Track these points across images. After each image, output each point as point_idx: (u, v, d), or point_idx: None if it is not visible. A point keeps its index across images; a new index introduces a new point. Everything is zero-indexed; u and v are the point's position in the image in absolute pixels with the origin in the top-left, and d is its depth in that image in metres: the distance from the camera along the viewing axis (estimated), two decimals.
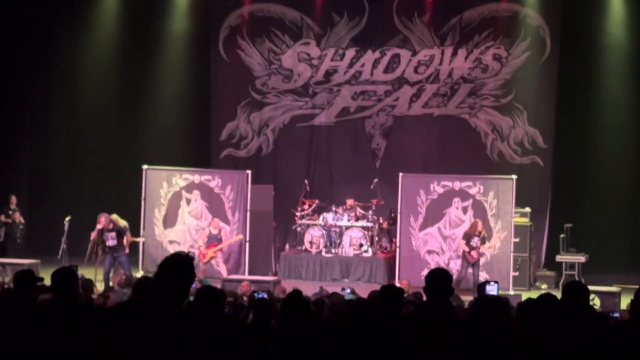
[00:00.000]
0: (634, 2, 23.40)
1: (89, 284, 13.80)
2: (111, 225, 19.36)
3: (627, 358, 6.51)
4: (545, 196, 23.82)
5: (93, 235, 19.57)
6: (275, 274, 21.87)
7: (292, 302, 6.73)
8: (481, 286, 7.95)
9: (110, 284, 17.72)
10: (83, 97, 25.18)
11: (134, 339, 5.53)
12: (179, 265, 5.71)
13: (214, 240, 20.71)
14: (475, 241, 19.35)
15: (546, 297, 7.21)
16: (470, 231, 19.61)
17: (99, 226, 19.39)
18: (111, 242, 19.29)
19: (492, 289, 10.47)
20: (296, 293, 7.27)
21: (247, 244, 21.54)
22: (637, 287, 7.17)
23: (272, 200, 22.56)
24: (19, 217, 22.34)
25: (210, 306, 6.61)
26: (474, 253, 19.26)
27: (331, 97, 25.29)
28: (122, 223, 19.66)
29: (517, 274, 20.50)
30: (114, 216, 19.60)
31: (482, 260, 20.38)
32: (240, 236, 21.29)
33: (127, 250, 19.71)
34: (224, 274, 20.29)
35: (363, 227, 22.44)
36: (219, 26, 25.47)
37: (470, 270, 19.35)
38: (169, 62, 25.60)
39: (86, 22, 25.00)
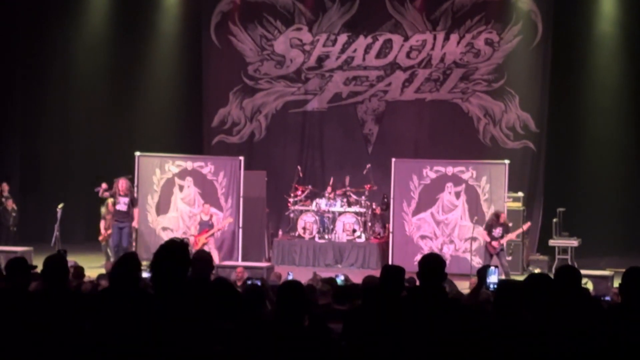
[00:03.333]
0: None
1: (80, 271, 13.78)
2: (128, 192, 19.60)
3: (620, 341, 6.53)
4: (538, 180, 23.87)
5: (105, 194, 19.95)
6: (269, 260, 21.89)
7: (287, 290, 6.72)
8: (482, 270, 7.93)
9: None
10: (75, 84, 25.09)
11: (130, 324, 5.55)
12: (175, 252, 5.72)
13: (205, 226, 20.72)
14: (497, 231, 19.30)
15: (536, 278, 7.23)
16: (492, 222, 19.55)
17: (119, 190, 19.68)
18: (123, 206, 19.55)
19: (494, 272, 10.44)
20: (292, 282, 7.27)
21: (240, 230, 21.53)
22: (625, 271, 7.17)
23: (265, 187, 22.57)
24: (11, 205, 22.31)
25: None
26: (495, 243, 19.21)
27: (323, 82, 25.28)
28: None
29: (510, 258, 20.48)
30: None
31: (474, 245, 20.43)
32: (230, 219, 21.29)
33: (134, 224, 19.88)
34: (217, 260, 20.28)
35: (356, 213, 22.46)
36: (210, 12, 25.43)
37: (495, 259, 19.24)
38: (161, 48, 25.55)
39: (77, 9, 24.90)
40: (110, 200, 20.52)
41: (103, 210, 21.05)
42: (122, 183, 19.94)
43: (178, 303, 5.62)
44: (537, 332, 6.49)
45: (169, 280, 5.63)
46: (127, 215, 19.79)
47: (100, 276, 14.19)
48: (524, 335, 6.46)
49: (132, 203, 19.86)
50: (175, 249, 5.76)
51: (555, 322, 6.54)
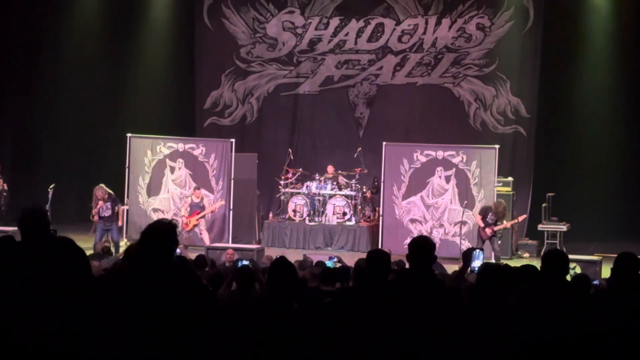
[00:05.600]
0: None
1: None
2: (106, 196, 19.50)
3: (610, 325, 6.60)
4: (528, 165, 23.93)
5: (95, 210, 19.66)
6: (259, 242, 21.96)
7: (278, 269, 6.78)
8: (468, 253, 7.97)
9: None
10: (67, 65, 25.05)
11: (121, 305, 5.60)
12: (162, 232, 5.76)
13: (196, 208, 20.78)
14: (491, 217, 19.34)
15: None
16: (489, 207, 19.57)
17: (100, 202, 19.44)
18: (107, 212, 19.39)
19: (478, 256, 10.47)
20: (282, 260, 7.33)
21: (231, 212, 21.60)
22: (617, 255, 7.25)
23: (256, 169, 22.61)
24: (2, 185, 22.29)
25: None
26: (488, 230, 19.25)
27: (315, 66, 25.32)
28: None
29: (499, 242, 20.60)
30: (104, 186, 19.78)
31: (464, 229, 20.52)
32: (222, 202, 21.36)
33: (119, 222, 19.79)
34: (207, 241, 20.34)
35: (346, 196, 22.52)
36: None
37: (486, 244, 19.24)
38: (154, 30, 25.55)
39: None
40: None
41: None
42: (98, 192, 19.66)
43: (165, 282, 5.67)
44: (521, 315, 6.56)
45: (156, 260, 5.68)
46: (113, 217, 19.64)
47: (90, 256, 14.24)
48: (507, 318, 6.52)
49: (116, 202, 19.68)
50: (162, 229, 5.80)
51: (540, 305, 6.61)
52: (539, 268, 7.50)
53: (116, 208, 19.67)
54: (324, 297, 9.10)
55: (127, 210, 21.45)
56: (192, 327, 5.69)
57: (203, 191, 21.16)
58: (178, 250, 8.47)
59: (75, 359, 6.08)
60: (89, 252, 16.01)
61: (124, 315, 5.60)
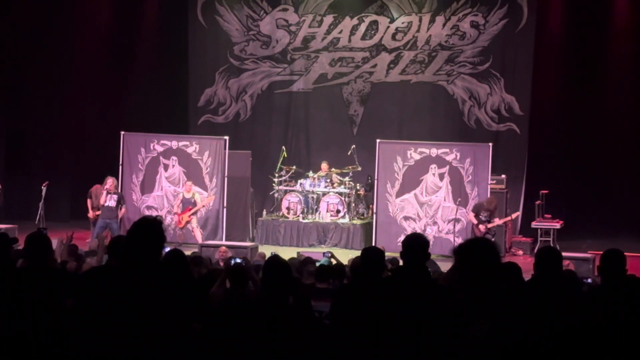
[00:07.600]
0: None
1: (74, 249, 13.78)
2: (115, 190, 19.71)
3: (601, 321, 6.60)
4: (522, 163, 23.94)
5: (103, 199, 19.85)
6: (253, 239, 21.95)
7: (272, 267, 6.78)
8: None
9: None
10: (60, 63, 25.00)
11: (108, 303, 5.60)
12: (148, 229, 5.75)
13: (188, 204, 20.81)
14: (484, 214, 19.39)
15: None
16: (481, 205, 19.63)
17: (107, 187, 19.71)
18: (112, 202, 19.59)
19: None
20: (275, 258, 7.33)
21: (225, 210, 21.59)
22: (603, 253, 7.26)
23: (249, 166, 22.61)
24: None
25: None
26: (481, 227, 19.29)
27: (309, 63, 25.32)
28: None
29: (493, 240, 20.59)
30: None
31: (458, 226, 20.53)
32: (212, 197, 21.37)
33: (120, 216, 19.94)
34: (199, 239, 20.35)
35: (340, 194, 22.52)
36: None
37: None
38: (147, 27, 25.53)
39: None
40: (97, 188, 20.58)
41: (91, 191, 21.06)
42: (111, 181, 19.95)
43: (151, 280, 5.66)
44: (510, 312, 6.57)
45: (142, 258, 5.67)
46: (115, 212, 19.77)
47: (85, 253, 14.22)
48: (499, 314, 6.53)
49: (120, 201, 19.88)
50: (147, 226, 5.78)
51: (532, 302, 6.62)
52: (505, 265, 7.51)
53: (120, 206, 19.79)
54: (319, 294, 9.11)
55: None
56: (181, 324, 5.69)
57: (194, 187, 21.18)
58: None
59: (62, 356, 6.08)
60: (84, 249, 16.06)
61: (111, 312, 5.59)
